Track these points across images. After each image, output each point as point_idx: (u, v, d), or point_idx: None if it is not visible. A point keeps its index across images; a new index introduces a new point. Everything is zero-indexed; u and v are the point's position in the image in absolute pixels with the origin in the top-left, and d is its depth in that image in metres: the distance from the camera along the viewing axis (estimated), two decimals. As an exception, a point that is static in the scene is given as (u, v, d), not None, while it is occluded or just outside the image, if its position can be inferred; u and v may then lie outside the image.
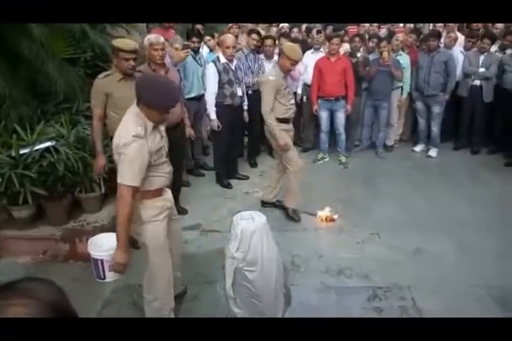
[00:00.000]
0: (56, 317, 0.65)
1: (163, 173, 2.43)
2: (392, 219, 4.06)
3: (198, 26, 5.39)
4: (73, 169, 3.33)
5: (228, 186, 4.80)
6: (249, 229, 2.58)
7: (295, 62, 3.81)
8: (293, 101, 4.01)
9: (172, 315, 2.63)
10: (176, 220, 2.73)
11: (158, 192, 2.42)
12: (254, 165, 5.45)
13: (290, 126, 4.02)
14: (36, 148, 3.28)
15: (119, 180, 2.21)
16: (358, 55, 5.62)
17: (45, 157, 3.28)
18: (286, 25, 8.06)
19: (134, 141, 2.16)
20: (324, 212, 4.09)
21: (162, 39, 3.70)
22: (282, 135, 3.85)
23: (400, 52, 5.61)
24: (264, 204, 4.31)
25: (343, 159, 5.53)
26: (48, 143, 3.34)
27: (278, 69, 3.83)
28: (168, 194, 2.56)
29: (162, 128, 2.43)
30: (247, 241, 2.57)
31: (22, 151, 3.25)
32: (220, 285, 2.92)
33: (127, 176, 2.19)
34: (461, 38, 5.92)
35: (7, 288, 0.67)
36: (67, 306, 0.70)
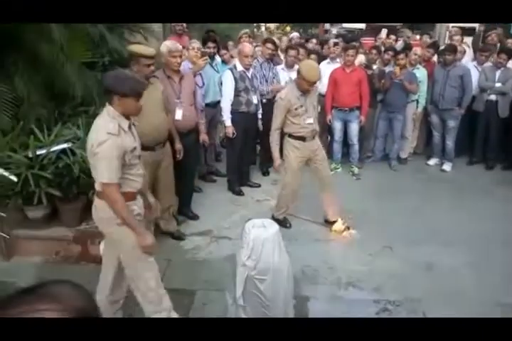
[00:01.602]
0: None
1: (136, 176, 2.40)
2: (405, 233, 4.02)
3: (213, 33, 5.46)
4: (88, 171, 3.32)
5: (240, 193, 4.80)
6: (261, 237, 2.57)
7: (312, 83, 3.67)
8: (310, 120, 3.80)
9: (174, 315, 2.60)
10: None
11: (129, 196, 2.36)
12: (266, 173, 5.45)
13: (307, 144, 3.87)
14: (53, 149, 3.32)
15: (99, 180, 2.23)
16: (374, 67, 5.63)
17: (61, 158, 3.31)
18: (296, 35, 8.14)
19: (108, 138, 2.18)
20: (337, 224, 4.06)
21: (180, 46, 3.74)
22: (289, 154, 3.86)
23: (418, 65, 5.61)
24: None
25: (356, 170, 5.51)
26: (65, 145, 3.37)
27: (294, 88, 3.74)
28: (140, 202, 2.49)
29: (134, 129, 2.43)
30: (259, 249, 2.55)
31: (39, 152, 3.29)
32: (230, 293, 2.90)
33: (107, 174, 2.20)
34: (469, 51, 5.93)
35: (34, 291, 0.65)
36: (93, 309, 0.68)
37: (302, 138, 3.85)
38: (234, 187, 4.84)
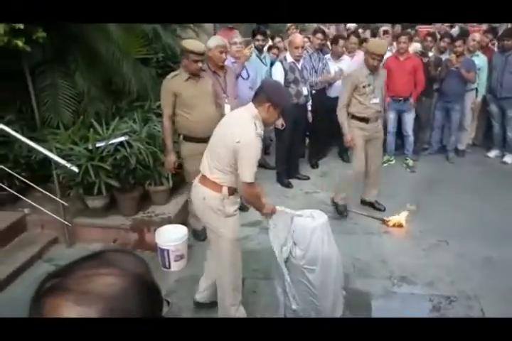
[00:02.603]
0: (141, 291, 0.66)
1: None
2: (461, 227, 3.85)
3: (263, 27, 5.47)
4: (144, 163, 3.50)
5: (289, 185, 4.80)
6: (309, 227, 2.57)
7: (378, 57, 3.70)
8: (376, 100, 3.86)
9: (241, 312, 2.68)
10: None
11: (234, 190, 2.49)
12: (315, 166, 5.41)
13: (369, 126, 3.91)
14: (111, 142, 3.49)
15: (242, 180, 2.32)
16: (430, 54, 5.41)
17: (119, 151, 3.47)
18: (353, 25, 7.97)
19: (257, 139, 2.28)
20: (399, 217, 3.97)
21: (226, 42, 3.78)
22: (353, 132, 3.86)
23: (477, 52, 5.32)
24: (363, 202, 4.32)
25: (411, 162, 5.34)
26: (122, 138, 3.54)
27: (364, 67, 3.82)
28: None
29: None
30: (307, 238, 2.56)
31: (98, 145, 3.47)
32: (278, 281, 2.94)
33: (250, 175, 2.31)
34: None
35: (94, 258, 0.68)
36: (151, 279, 0.70)
37: (365, 120, 3.88)
38: (283, 180, 4.85)
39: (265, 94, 2.36)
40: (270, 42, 5.60)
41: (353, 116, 3.89)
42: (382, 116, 4.15)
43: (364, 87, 3.77)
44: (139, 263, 0.71)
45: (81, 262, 0.67)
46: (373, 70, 3.78)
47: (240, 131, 2.29)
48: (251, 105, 2.39)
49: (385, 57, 4.10)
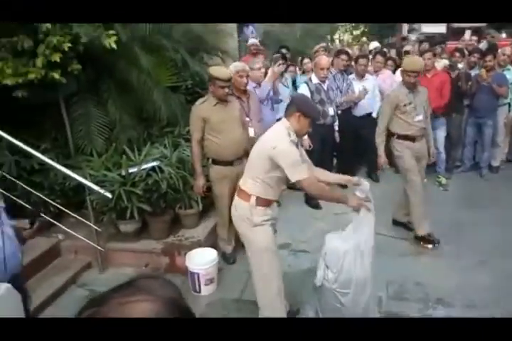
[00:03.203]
0: (176, 315, 0.66)
1: (279, 187, 2.59)
2: (499, 246, 3.70)
3: (284, 50, 5.57)
4: (174, 187, 3.55)
5: (318, 207, 4.76)
6: (341, 249, 2.53)
7: (413, 73, 3.70)
8: (420, 117, 3.82)
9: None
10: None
11: (269, 203, 2.57)
12: (344, 186, 5.34)
13: (417, 145, 3.87)
14: (143, 167, 3.57)
15: (296, 179, 2.41)
16: (460, 66, 5.34)
17: (150, 176, 3.54)
18: (377, 44, 8.03)
19: (292, 145, 2.43)
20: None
21: (246, 66, 3.86)
22: (404, 152, 3.82)
23: (508, 66, 5.23)
24: (395, 223, 4.24)
25: (443, 180, 5.21)
26: (153, 163, 3.61)
27: (402, 86, 3.84)
28: (276, 208, 2.71)
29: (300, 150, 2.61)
30: (340, 261, 2.51)
31: (130, 170, 3.55)
32: (311, 306, 2.88)
33: (298, 173, 2.40)
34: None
35: (127, 286, 0.70)
36: (184, 303, 0.71)
37: (411, 138, 3.84)
38: (311, 201, 4.81)
39: (295, 105, 2.52)
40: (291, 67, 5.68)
41: (399, 136, 3.85)
42: (430, 135, 4.08)
43: (405, 105, 3.77)
44: (171, 288, 0.72)
45: (115, 291, 0.69)
46: (412, 88, 3.78)
47: (275, 139, 2.46)
48: (283, 119, 2.55)
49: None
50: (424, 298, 3.12)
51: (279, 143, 2.41)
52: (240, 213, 2.59)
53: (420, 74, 3.96)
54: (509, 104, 5.28)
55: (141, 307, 0.65)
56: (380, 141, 3.93)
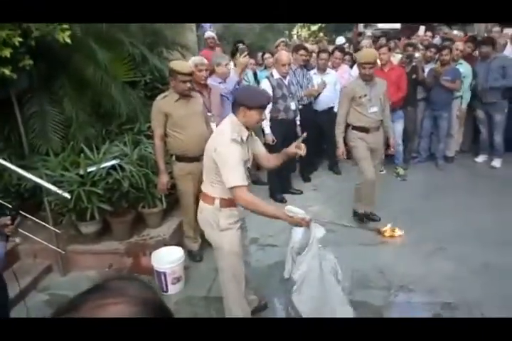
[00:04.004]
0: (152, 315, 0.64)
1: None
2: (456, 233, 3.87)
3: (240, 45, 5.56)
4: (137, 185, 3.47)
5: (282, 200, 4.80)
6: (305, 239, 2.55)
7: (368, 65, 3.76)
8: (375, 109, 3.88)
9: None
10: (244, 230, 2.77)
11: (234, 203, 2.47)
12: (307, 179, 5.42)
13: (370, 136, 3.94)
14: (102, 166, 3.46)
15: (227, 185, 2.30)
16: (416, 55, 5.51)
17: (111, 174, 3.44)
18: (342, 39, 8.09)
19: (231, 145, 2.31)
20: (386, 229, 3.99)
21: (205, 60, 3.82)
22: (356, 143, 3.90)
23: (461, 60, 5.45)
24: (356, 214, 4.29)
25: (401, 171, 5.38)
26: (113, 162, 3.51)
27: (358, 78, 3.93)
28: (241, 208, 2.62)
29: (249, 143, 2.53)
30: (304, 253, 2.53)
31: (89, 169, 3.43)
32: (278, 298, 2.90)
33: (233, 179, 2.29)
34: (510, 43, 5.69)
35: (100, 288, 0.67)
36: (160, 302, 0.69)
37: (365, 130, 3.92)
38: (276, 195, 4.85)
39: (237, 99, 2.45)
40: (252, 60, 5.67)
41: (354, 127, 3.94)
42: (390, 127, 4.16)
43: (360, 97, 3.84)
44: (144, 287, 0.69)
45: (86, 295, 0.66)
46: (368, 80, 3.85)
47: (217, 139, 2.40)
48: (230, 114, 2.47)
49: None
50: (387, 285, 3.21)
51: (219, 144, 2.34)
52: (206, 217, 2.53)
53: (375, 66, 4.03)
54: (461, 96, 5.50)
55: (117, 310, 0.62)
56: (339, 132, 4.02)
